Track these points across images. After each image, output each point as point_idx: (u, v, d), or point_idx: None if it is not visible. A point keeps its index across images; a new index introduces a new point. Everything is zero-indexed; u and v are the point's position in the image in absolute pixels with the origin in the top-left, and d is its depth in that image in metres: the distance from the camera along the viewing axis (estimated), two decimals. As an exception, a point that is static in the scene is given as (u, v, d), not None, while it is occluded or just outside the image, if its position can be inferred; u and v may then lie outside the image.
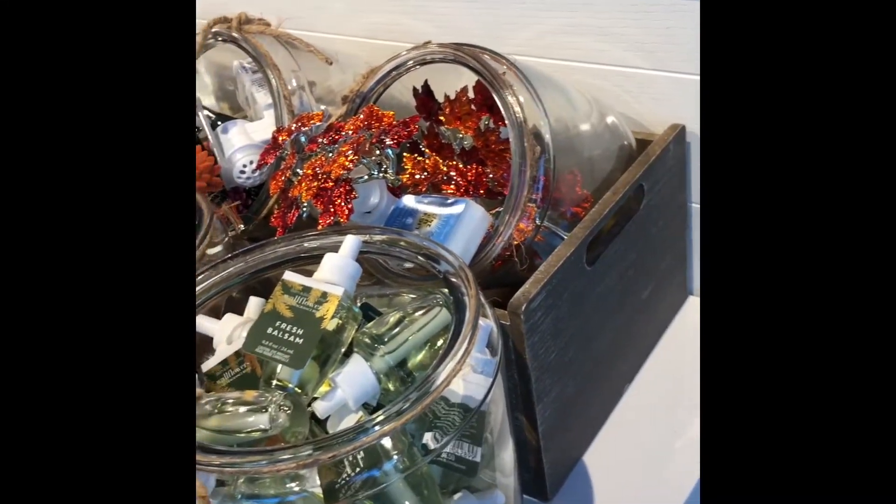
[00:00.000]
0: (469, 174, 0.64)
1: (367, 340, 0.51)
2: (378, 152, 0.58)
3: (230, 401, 0.48)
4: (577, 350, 0.63)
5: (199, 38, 0.73)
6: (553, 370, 0.60)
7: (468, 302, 0.48)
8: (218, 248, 0.64)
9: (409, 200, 0.62)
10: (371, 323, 0.52)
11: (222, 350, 0.53)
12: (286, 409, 0.45)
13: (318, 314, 0.48)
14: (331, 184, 0.56)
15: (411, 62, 0.68)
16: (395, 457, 0.45)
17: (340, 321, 0.49)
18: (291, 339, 0.47)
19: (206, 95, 0.89)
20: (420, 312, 0.53)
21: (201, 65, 0.86)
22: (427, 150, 0.68)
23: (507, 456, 0.53)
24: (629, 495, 0.64)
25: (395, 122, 0.58)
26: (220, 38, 0.74)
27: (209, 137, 0.71)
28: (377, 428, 0.42)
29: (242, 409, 0.47)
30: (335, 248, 0.53)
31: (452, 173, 0.64)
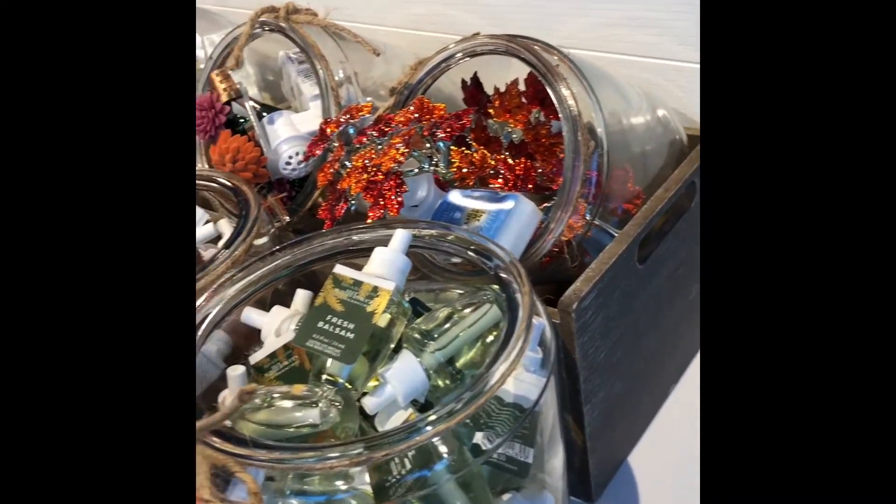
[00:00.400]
0: (517, 168, 0.63)
1: (416, 336, 0.50)
2: (429, 145, 0.57)
3: (279, 395, 0.47)
4: (625, 350, 0.62)
5: (246, 28, 0.73)
6: (602, 370, 0.59)
7: (521, 299, 0.47)
8: (264, 240, 0.64)
9: (456, 194, 0.61)
10: (420, 318, 0.51)
11: (270, 343, 0.53)
12: (337, 404, 0.45)
13: (368, 309, 0.47)
14: (381, 177, 0.55)
15: (460, 54, 0.67)
16: (447, 457, 0.44)
17: (391, 316, 0.48)
18: (342, 333, 0.46)
19: (249, 86, 0.89)
20: (469, 309, 0.52)
21: (244, 54, 0.85)
22: (474, 144, 0.67)
23: (557, 457, 0.52)
24: (674, 497, 0.63)
25: (447, 115, 0.57)
26: (266, 28, 0.74)
27: (255, 128, 0.70)
28: (429, 428, 0.41)
29: (292, 403, 0.46)
30: (383, 242, 0.53)
31: (500, 167, 0.63)
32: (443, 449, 0.44)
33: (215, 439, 0.41)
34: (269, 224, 0.67)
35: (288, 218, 0.68)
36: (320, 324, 0.47)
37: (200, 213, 0.68)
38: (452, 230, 0.54)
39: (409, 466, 0.44)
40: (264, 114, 0.73)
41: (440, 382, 0.50)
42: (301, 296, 0.57)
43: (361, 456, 0.41)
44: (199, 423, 0.40)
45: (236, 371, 0.49)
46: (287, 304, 0.57)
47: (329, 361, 0.47)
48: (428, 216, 0.62)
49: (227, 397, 0.50)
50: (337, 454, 0.41)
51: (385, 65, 0.83)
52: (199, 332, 0.51)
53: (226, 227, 0.68)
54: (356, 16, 0.91)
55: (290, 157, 0.70)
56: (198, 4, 1.02)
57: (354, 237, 0.56)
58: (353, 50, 0.79)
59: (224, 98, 0.71)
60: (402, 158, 0.55)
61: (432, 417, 0.41)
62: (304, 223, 0.73)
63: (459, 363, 0.50)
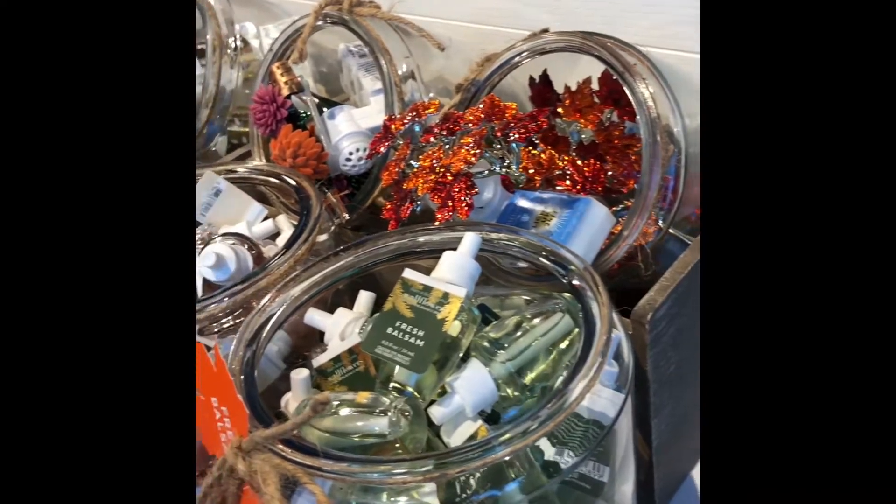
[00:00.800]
0: (586, 170, 0.61)
1: (485, 345, 0.48)
2: (500, 146, 0.55)
3: (343, 402, 0.46)
4: (694, 362, 0.59)
5: (309, 20, 0.71)
6: (671, 383, 0.57)
7: (598, 311, 0.45)
8: (324, 237, 0.63)
9: (524, 196, 0.59)
10: (489, 326, 0.50)
11: (335, 346, 0.51)
12: (407, 413, 0.43)
13: (439, 316, 0.46)
14: (450, 178, 0.53)
15: (528, 51, 0.64)
16: (518, 475, 0.42)
17: (461, 324, 0.46)
18: (412, 340, 0.45)
19: (306, 77, 0.87)
20: (539, 318, 0.50)
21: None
22: (541, 144, 0.65)
23: (629, 474, 0.50)
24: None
25: (520, 115, 0.55)
26: (329, 21, 0.72)
27: (316, 123, 0.69)
28: (503, 447, 0.39)
29: (358, 411, 0.45)
30: (448, 245, 0.51)
31: (568, 168, 0.61)
32: (515, 467, 0.43)
33: (284, 448, 0.40)
34: (328, 221, 0.65)
35: (347, 216, 0.67)
36: (389, 330, 0.46)
37: (259, 208, 0.67)
38: (521, 234, 0.53)
39: (479, 485, 0.42)
40: (324, 109, 0.72)
41: (509, 393, 0.48)
42: (364, 297, 0.56)
43: (431, 472, 0.39)
44: (269, 432, 0.39)
45: (301, 374, 0.48)
46: (346, 304, 0.56)
47: (397, 369, 0.46)
48: (493, 218, 0.60)
49: (290, 401, 0.49)
50: (405, 469, 0.39)
51: (445, 59, 0.81)
52: (264, 333, 0.50)
53: (284, 223, 0.67)
54: (415, 8, 0.88)
55: (351, 154, 0.68)
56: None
57: (419, 239, 0.54)
58: (412, 43, 0.77)
59: (285, 92, 0.70)
60: (473, 159, 0.53)
61: (507, 436, 0.39)
62: (362, 221, 0.71)
63: (530, 375, 0.48)
